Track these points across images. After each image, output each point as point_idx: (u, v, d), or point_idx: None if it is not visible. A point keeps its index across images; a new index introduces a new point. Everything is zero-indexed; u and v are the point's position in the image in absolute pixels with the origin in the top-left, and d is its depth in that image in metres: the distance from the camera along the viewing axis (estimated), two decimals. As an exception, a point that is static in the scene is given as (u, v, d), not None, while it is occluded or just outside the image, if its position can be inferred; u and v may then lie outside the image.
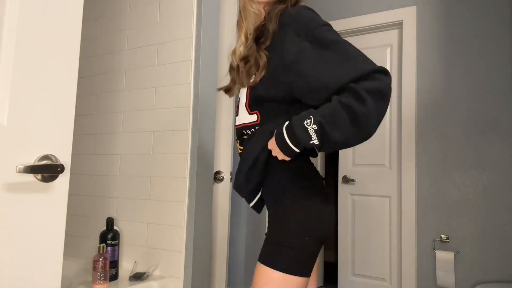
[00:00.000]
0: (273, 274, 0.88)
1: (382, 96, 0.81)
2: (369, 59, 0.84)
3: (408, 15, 2.60)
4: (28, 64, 0.77)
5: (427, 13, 2.55)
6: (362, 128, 0.82)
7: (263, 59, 0.96)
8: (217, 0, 1.80)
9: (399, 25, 2.69)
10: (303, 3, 0.99)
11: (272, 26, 0.97)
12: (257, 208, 1.06)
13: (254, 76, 0.98)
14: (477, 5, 2.40)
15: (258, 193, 1.02)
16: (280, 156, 0.91)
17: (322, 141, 0.83)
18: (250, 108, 1.00)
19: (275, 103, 0.97)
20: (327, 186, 3.65)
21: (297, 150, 0.88)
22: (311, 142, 0.84)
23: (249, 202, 1.05)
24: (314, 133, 0.83)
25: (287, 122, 0.89)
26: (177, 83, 1.67)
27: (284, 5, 0.99)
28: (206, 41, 1.71)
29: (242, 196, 1.04)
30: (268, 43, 0.97)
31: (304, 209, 0.92)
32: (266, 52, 0.96)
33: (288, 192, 0.94)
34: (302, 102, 0.92)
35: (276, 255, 0.90)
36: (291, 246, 0.89)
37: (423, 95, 2.52)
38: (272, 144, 0.92)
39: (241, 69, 1.01)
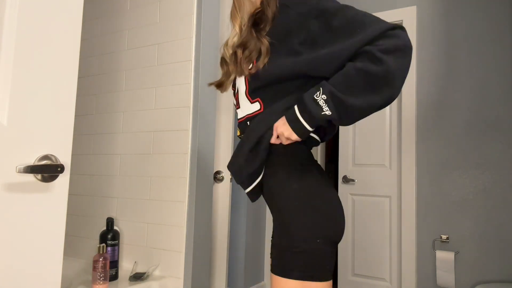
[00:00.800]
0: (290, 284, 0.82)
1: (402, 52, 0.77)
2: (379, 19, 0.81)
3: (408, 15, 2.60)
4: (28, 64, 0.77)
5: (427, 13, 2.55)
6: (384, 88, 0.78)
7: (265, 45, 0.92)
8: (217, 0, 1.80)
9: (399, 25, 2.69)
10: None
11: (271, 10, 0.94)
12: (254, 195, 0.99)
13: (253, 63, 0.94)
14: (477, 5, 2.40)
15: (258, 177, 0.95)
16: (293, 136, 0.85)
17: (337, 110, 0.80)
18: (251, 97, 0.96)
19: (279, 84, 0.92)
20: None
21: (309, 128, 0.84)
22: (322, 113, 0.80)
23: (246, 187, 0.97)
24: (324, 104, 0.80)
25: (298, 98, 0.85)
26: (177, 83, 1.67)
27: None
28: (206, 41, 1.71)
29: (239, 181, 0.97)
30: (268, 28, 0.94)
31: (310, 209, 0.85)
32: (267, 37, 0.93)
33: (291, 192, 0.88)
34: (311, 77, 0.88)
35: (288, 263, 0.83)
36: (303, 251, 0.82)
37: (423, 95, 2.52)
38: (281, 125, 0.87)
39: (239, 57, 0.96)
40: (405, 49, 0.79)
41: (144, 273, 1.58)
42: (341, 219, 0.89)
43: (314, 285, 0.82)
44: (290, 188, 0.88)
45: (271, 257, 0.89)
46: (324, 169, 0.99)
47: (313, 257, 0.83)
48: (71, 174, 1.97)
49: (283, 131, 0.87)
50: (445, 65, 2.47)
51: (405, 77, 0.80)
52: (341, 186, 2.84)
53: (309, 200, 0.87)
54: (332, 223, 0.86)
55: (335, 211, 0.88)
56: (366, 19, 0.81)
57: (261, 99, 0.95)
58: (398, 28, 0.79)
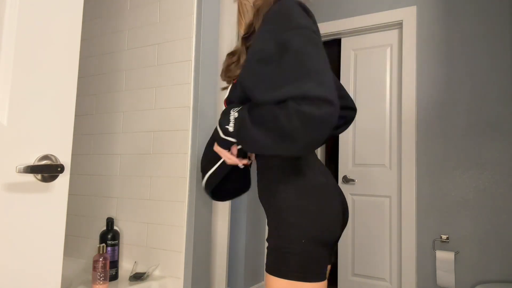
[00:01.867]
0: (279, 283, 0.84)
1: (313, 124, 0.73)
2: (325, 81, 0.74)
3: (408, 15, 2.60)
4: (28, 64, 0.77)
5: (427, 13, 2.55)
6: (283, 144, 0.77)
7: (243, 57, 0.93)
8: (217, 0, 1.80)
9: (399, 25, 2.69)
10: None
11: (257, 23, 0.92)
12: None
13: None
14: (477, 5, 2.40)
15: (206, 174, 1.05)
16: (222, 152, 0.94)
17: (238, 132, 0.84)
18: (226, 104, 0.97)
19: (239, 102, 0.92)
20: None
21: (224, 137, 0.88)
22: (226, 126, 0.86)
23: (203, 178, 1.08)
24: (233, 120, 0.84)
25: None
26: (177, 83, 1.67)
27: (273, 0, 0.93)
28: (206, 41, 1.71)
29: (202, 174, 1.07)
30: (251, 40, 0.93)
31: (298, 210, 0.86)
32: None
33: (281, 192, 0.89)
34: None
35: (278, 262, 0.85)
36: (291, 251, 0.84)
37: (423, 95, 2.52)
38: (215, 146, 0.96)
39: (225, 64, 1.00)
40: (319, 123, 0.74)
41: (144, 273, 1.58)
42: (330, 220, 0.88)
43: (301, 285, 0.83)
44: (278, 189, 0.90)
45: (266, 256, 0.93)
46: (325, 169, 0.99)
47: (300, 258, 0.84)
48: (71, 174, 1.97)
49: (217, 151, 0.96)
50: (445, 65, 2.47)
51: (309, 147, 0.78)
52: (341, 186, 2.84)
53: (296, 201, 0.87)
54: (320, 224, 0.86)
55: (323, 212, 0.88)
56: (312, 77, 0.75)
57: None
58: (326, 101, 0.73)
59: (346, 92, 1.19)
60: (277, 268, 0.85)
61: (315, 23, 0.87)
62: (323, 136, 0.76)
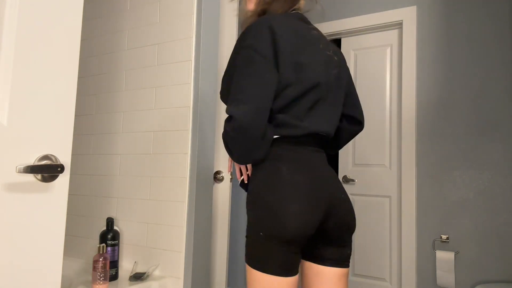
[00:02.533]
0: (247, 267, 0.95)
1: (229, 138, 0.92)
2: (241, 99, 0.89)
3: (408, 15, 2.60)
4: (28, 64, 0.77)
5: (427, 13, 2.55)
6: (231, 156, 0.97)
7: None
8: (217, 0, 1.80)
9: (399, 25, 2.69)
10: (273, 15, 1.00)
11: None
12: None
13: None
14: (477, 5, 2.40)
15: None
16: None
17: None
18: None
19: None
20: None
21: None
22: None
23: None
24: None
25: None
26: (177, 83, 1.67)
27: (255, 17, 1.07)
28: (206, 41, 1.71)
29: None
30: None
31: (264, 204, 0.92)
32: None
33: (256, 187, 0.96)
34: None
35: (245, 247, 0.96)
36: (250, 240, 0.94)
37: (423, 95, 2.52)
38: None
39: None
40: (227, 139, 0.93)
41: (144, 273, 1.58)
42: (289, 219, 0.89)
43: (258, 274, 0.91)
44: (253, 183, 0.98)
45: None
46: (310, 166, 0.99)
47: (256, 248, 0.92)
48: (71, 174, 1.97)
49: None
50: (445, 65, 2.47)
51: (243, 154, 0.94)
52: (341, 186, 2.84)
53: (261, 196, 0.94)
54: (277, 222, 0.89)
55: (285, 209, 0.90)
56: (237, 96, 0.91)
57: None
58: (230, 120, 0.89)
59: (357, 101, 1.20)
60: (245, 253, 0.96)
61: (282, 39, 0.94)
62: (246, 146, 0.91)
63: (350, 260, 2.75)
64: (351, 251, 1.06)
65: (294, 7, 1.09)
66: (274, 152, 0.99)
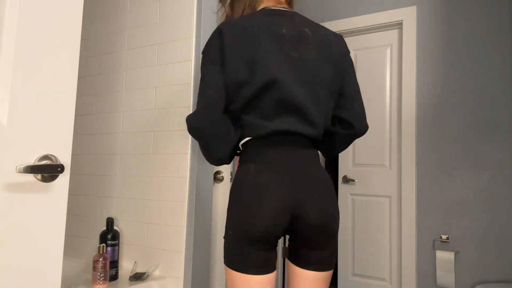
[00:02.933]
0: (224, 265, 1.03)
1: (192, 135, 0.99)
2: (203, 100, 0.97)
3: (408, 15, 2.60)
4: (28, 64, 0.77)
5: (427, 13, 2.55)
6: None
7: None
8: (217, 0, 1.79)
9: (399, 25, 2.69)
10: (227, 20, 1.03)
11: None
12: None
13: None
14: (477, 5, 2.40)
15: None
16: None
17: None
18: None
19: None
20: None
21: None
22: None
23: None
24: None
25: None
26: (177, 83, 1.67)
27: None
28: (206, 41, 1.71)
29: None
30: None
31: (233, 205, 0.96)
32: None
33: (231, 188, 1.00)
34: None
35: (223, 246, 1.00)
36: (225, 239, 0.97)
37: (423, 95, 2.52)
38: None
39: None
40: (191, 133, 0.98)
41: (144, 273, 1.58)
42: (254, 218, 0.91)
43: (232, 273, 0.94)
44: (233, 183, 1.02)
45: None
46: (281, 166, 0.98)
47: (227, 247, 0.96)
48: (71, 174, 1.97)
49: None
50: (445, 65, 2.47)
51: (202, 151, 1.02)
52: (341, 186, 2.84)
53: (233, 196, 0.98)
54: (244, 221, 0.92)
55: (248, 210, 0.92)
56: (199, 99, 0.99)
57: None
58: (188, 121, 0.97)
59: (351, 103, 1.08)
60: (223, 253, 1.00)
61: (232, 38, 0.96)
62: (202, 145, 1.00)
63: (350, 260, 2.75)
64: (332, 255, 1.00)
65: (267, 5, 1.07)
66: (246, 153, 1.00)
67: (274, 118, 0.96)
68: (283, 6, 1.07)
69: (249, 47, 0.95)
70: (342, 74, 1.06)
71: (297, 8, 2.70)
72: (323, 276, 0.99)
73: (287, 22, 1.01)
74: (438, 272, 2.32)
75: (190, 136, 1.62)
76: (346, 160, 2.84)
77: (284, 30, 0.98)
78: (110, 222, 1.60)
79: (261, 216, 0.91)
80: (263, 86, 0.94)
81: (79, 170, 1.94)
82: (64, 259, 1.86)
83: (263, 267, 0.92)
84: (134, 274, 1.56)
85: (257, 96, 0.95)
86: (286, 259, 1.08)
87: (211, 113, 0.95)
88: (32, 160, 0.77)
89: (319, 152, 1.21)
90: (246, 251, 0.92)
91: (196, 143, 1.65)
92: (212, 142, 0.97)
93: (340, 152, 1.17)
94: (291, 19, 1.02)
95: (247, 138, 1.00)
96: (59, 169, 0.77)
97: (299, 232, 0.97)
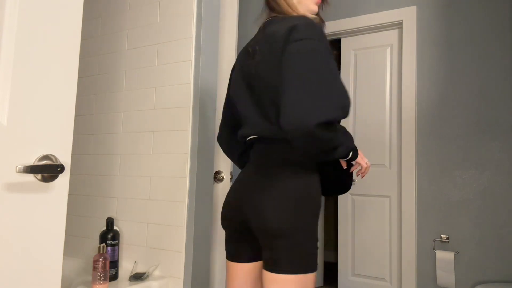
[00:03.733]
0: None
1: None
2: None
3: (408, 15, 2.60)
4: (28, 64, 0.77)
5: (427, 13, 2.55)
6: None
7: None
8: (217, 0, 1.80)
9: (399, 25, 2.69)
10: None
11: None
12: None
13: None
14: (477, 5, 2.40)
15: None
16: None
17: None
18: None
19: None
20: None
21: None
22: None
23: None
24: None
25: None
26: (177, 83, 1.67)
27: None
28: (206, 41, 1.71)
29: None
30: None
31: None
32: None
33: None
34: None
35: None
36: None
37: (423, 95, 2.52)
38: None
39: None
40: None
41: (144, 273, 1.58)
42: (222, 210, 1.10)
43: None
44: None
45: None
46: (254, 168, 1.08)
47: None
48: (71, 174, 1.97)
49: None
50: (445, 65, 2.47)
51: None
52: (341, 186, 2.84)
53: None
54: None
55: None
56: None
57: None
58: None
59: (281, 100, 0.87)
60: None
61: None
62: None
63: (350, 260, 2.75)
64: (278, 257, 0.92)
65: (271, 15, 1.09)
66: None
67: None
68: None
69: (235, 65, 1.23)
70: (274, 69, 0.95)
71: (297, 8, 2.69)
72: (278, 279, 0.92)
73: (264, 32, 1.04)
74: (438, 272, 2.32)
75: (190, 136, 1.62)
76: (346, 160, 2.84)
77: (261, 33, 1.06)
78: (110, 222, 1.60)
79: (223, 213, 1.10)
80: (225, 101, 1.27)
81: (79, 170, 1.94)
82: (64, 259, 1.86)
83: (232, 254, 1.11)
84: (134, 274, 1.56)
85: (225, 111, 1.26)
86: None
87: (219, 134, 1.24)
88: (32, 160, 0.77)
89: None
90: (226, 233, 1.15)
91: (196, 143, 1.65)
92: (226, 154, 1.26)
93: (307, 153, 0.94)
94: (264, 31, 1.05)
95: None
96: (59, 169, 0.77)
97: (254, 233, 1.03)
